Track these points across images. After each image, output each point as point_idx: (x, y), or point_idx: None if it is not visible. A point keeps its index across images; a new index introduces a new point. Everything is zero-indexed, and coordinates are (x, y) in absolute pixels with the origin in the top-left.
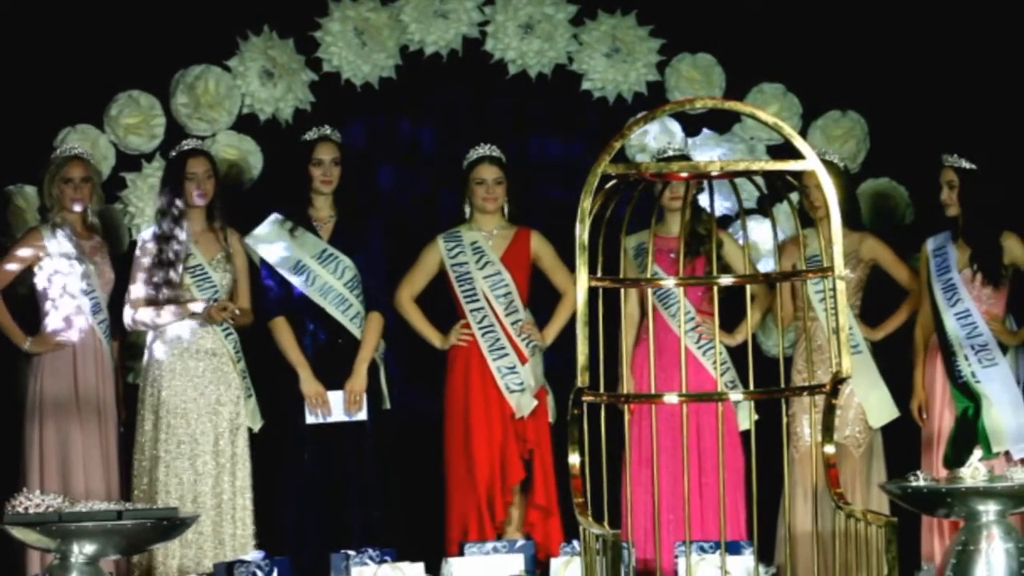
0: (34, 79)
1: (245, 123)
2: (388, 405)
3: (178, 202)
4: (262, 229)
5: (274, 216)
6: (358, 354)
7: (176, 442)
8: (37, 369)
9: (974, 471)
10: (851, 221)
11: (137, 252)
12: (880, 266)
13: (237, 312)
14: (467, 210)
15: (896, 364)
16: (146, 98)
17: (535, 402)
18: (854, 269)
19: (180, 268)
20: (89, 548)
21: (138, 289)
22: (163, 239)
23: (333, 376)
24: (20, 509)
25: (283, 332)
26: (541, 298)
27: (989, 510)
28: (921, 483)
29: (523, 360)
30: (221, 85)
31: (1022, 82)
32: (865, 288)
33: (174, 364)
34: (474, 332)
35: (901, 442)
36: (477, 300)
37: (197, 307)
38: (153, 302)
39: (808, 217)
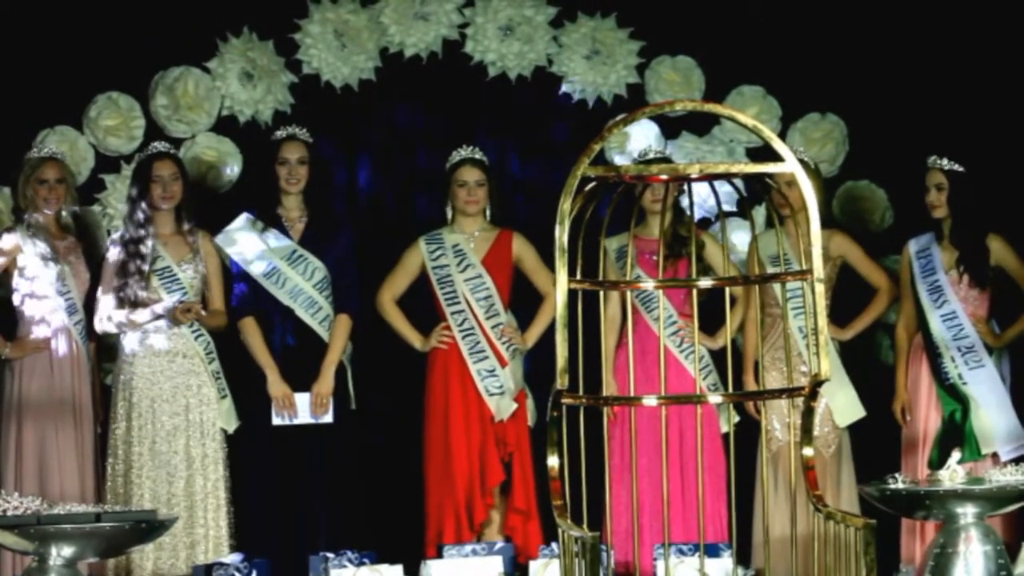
0: (13, 80)
1: (225, 125)
2: (354, 406)
3: (144, 205)
4: (232, 229)
5: (245, 216)
6: (325, 356)
7: (148, 445)
8: (15, 370)
9: (952, 473)
10: (820, 218)
11: (106, 256)
12: (849, 264)
13: (203, 313)
14: (449, 212)
15: (864, 364)
16: (125, 100)
17: (515, 405)
18: (823, 267)
19: (147, 271)
20: (67, 550)
21: (107, 293)
22: (131, 243)
23: (300, 378)
24: None
25: (252, 332)
26: (523, 300)
27: (967, 512)
28: (899, 485)
29: (503, 363)
30: (200, 87)
31: (1001, 84)
32: (834, 287)
33: (144, 367)
34: (454, 335)
35: (870, 444)
36: (458, 303)
37: (162, 309)
38: (121, 306)
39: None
